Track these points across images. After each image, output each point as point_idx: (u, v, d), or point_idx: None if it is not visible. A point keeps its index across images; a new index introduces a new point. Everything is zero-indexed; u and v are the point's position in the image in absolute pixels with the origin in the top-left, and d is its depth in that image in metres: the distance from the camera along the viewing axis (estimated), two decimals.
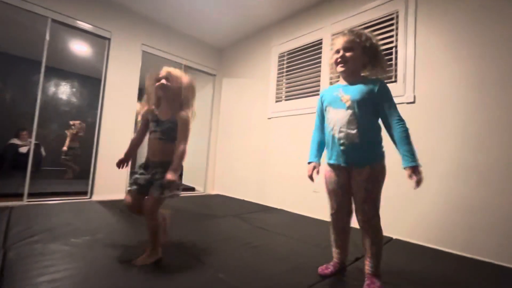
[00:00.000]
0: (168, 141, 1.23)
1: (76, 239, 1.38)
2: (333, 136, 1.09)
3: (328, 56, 2.46)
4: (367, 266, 1.08)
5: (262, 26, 3.20)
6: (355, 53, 1.06)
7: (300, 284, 1.08)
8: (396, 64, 2.00)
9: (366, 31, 1.11)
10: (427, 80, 1.85)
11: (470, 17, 1.70)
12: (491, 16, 1.62)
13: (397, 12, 2.04)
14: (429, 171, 1.77)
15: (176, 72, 1.27)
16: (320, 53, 2.57)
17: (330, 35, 2.50)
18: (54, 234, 1.45)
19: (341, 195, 1.14)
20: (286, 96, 2.93)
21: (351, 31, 1.09)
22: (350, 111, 1.04)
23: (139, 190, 1.22)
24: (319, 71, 2.56)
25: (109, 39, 2.87)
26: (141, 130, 1.34)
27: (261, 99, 3.16)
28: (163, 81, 1.22)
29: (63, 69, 4.45)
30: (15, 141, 3.86)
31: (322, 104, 1.19)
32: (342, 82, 1.15)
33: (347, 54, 1.06)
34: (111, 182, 2.83)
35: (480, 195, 1.56)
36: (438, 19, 1.84)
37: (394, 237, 1.84)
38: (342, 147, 1.06)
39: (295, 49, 2.85)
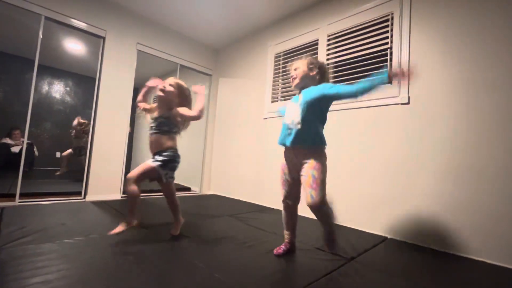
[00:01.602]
0: (161, 133, 1.49)
1: (70, 240, 1.36)
2: (285, 124, 1.36)
3: (324, 57, 2.48)
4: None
5: (258, 26, 3.20)
6: (302, 71, 1.39)
7: (296, 283, 1.08)
8: (391, 66, 2.03)
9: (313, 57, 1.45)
10: (421, 81, 1.87)
11: (464, 19, 1.72)
12: (485, 18, 1.65)
13: (392, 13, 2.06)
14: (423, 172, 1.79)
15: (177, 81, 1.57)
16: (316, 53, 2.58)
17: (326, 35, 2.51)
18: (47, 234, 1.43)
19: (291, 183, 1.41)
20: (282, 97, 2.94)
21: (299, 58, 1.46)
22: (298, 105, 1.31)
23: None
24: None
25: (103, 38, 2.84)
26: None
27: (257, 99, 3.16)
28: (165, 86, 1.51)
29: (56, 67, 4.38)
30: (7, 140, 3.79)
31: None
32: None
33: (295, 72, 1.40)
34: (105, 182, 2.80)
35: (474, 196, 1.59)
36: (432, 21, 1.86)
37: (389, 236, 1.86)
38: (289, 131, 1.32)
39: (291, 49, 2.86)
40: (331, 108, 2.29)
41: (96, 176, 2.74)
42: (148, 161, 1.46)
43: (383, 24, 2.11)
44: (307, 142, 1.28)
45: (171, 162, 1.50)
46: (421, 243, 1.73)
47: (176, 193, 1.63)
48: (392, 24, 2.06)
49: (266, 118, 3.03)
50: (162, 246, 1.38)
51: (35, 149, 3.95)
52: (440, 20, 1.83)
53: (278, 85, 2.99)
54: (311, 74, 1.38)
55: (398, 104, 1.96)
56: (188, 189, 3.83)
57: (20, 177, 2.36)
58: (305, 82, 1.38)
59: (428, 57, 1.85)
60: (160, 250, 1.34)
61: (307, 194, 1.25)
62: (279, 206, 2.69)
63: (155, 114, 1.54)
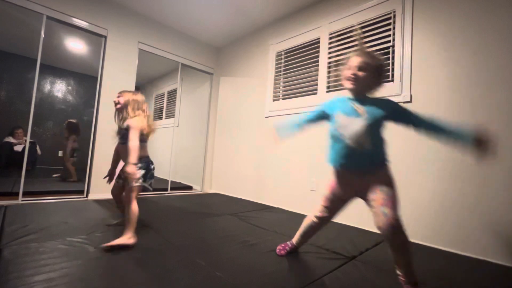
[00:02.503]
0: (124, 143, 1.50)
1: (72, 238, 1.37)
2: (343, 142, 1.11)
3: (325, 55, 2.47)
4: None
5: (260, 24, 3.19)
6: (367, 74, 1.10)
7: (297, 282, 1.08)
8: (392, 64, 2.01)
9: (376, 53, 1.17)
10: (423, 80, 1.86)
11: (466, 17, 1.71)
12: (487, 16, 1.63)
13: (394, 11, 2.05)
14: (425, 170, 1.78)
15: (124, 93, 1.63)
16: (318, 52, 2.57)
17: (328, 34, 2.50)
18: (50, 233, 1.44)
19: (336, 205, 1.24)
20: (283, 95, 2.94)
21: (366, 53, 1.14)
22: (364, 121, 1.07)
23: (123, 182, 1.61)
24: (317, 70, 2.57)
25: (105, 37, 2.84)
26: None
27: (258, 98, 3.16)
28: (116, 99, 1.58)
29: (58, 67, 4.39)
30: (10, 139, 3.81)
31: (329, 108, 1.23)
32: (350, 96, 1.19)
33: (360, 73, 1.10)
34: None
35: (476, 194, 1.58)
36: (434, 18, 1.85)
37: None
38: (352, 153, 1.09)
39: (292, 48, 2.85)
40: None
41: (98, 175, 2.75)
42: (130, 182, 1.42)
43: (385, 22, 2.09)
44: (378, 165, 1.10)
45: (148, 172, 1.57)
46: (423, 241, 1.72)
47: (178, 192, 1.64)
48: (394, 22, 2.04)
49: (267, 117, 3.03)
50: (163, 245, 1.39)
51: (37, 148, 3.97)
52: (442, 17, 1.81)
53: (280, 83, 2.98)
54: (375, 79, 1.12)
55: (400, 102, 1.94)
56: (190, 187, 3.84)
57: (23, 175, 2.38)
58: (365, 88, 1.13)
59: (430, 55, 1.84)
60: (162, 248, 1.34)
61: (377, 213, 1.04)
62: (281, 205, 2.71)
63: (119, 124, 1.60)
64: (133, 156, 1.39)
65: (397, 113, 1.11)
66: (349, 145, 1.08)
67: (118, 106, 1.58)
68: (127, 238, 1.32)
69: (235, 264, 1.21)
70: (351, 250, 1.49)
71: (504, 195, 1.49)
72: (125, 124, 1.52)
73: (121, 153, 1.60)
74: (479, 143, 0.95)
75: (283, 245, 1.40)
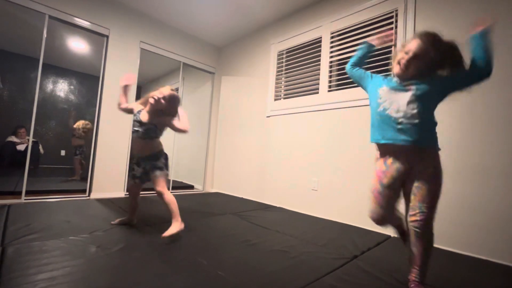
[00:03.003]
0: (149, 139, 1.57)
1: (75, 237, 1.38)
2: (388, 116, 1.04)
3: (327, 55, 2.47)
4: (414, 273, 1.04)
5: (261, 24, 3.19)
6: (420, 62, 1.03)
7: (299, 281, 1.08)
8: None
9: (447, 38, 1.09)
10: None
11: (468, 16, 1.70)
12: (489, 15, 1.62)
13: (397, 10, 2.04)
14: None
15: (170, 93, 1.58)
16: (319, 51, 2.57)
17: (330, 33, 2.49)
18: (53, 231, 1.45)
19: (394, 180, 1.07)
20: (285, 95, 2.93)
21: (427, 35, 1.07)
22: (411, 94, 1.01)
23: (140, 180, 1.62)
24: (318, 69, 2.56)
25: (107, 36, 2.85)
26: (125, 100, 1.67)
27: (260, 97, 3.16)
28: (162, 100, 1.53)
29: (61, 66, 4.41)
30: (13, 138, 3.83)
31: (371, 78, 1.19)
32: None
33: (412, 61, 1.03)
34: (109, 180, 2.82)
35: (479, 194, 1.57)
36: (436, 17, 1.84)
37: (392, 235, 1.85)
38: (399, 126, 1.01)
39: (294, 47, 2.84)
40: (334, 106, 2.27)
41: (100, 174, 2.76)
42: (155, 172, 1.55)
43: (388, 21, 2.08)
44: (429, 143, 1.01)
45: (167, 162, 1.64)
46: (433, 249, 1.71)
47: (180, 191, 1.68)
48: (396, 21, 2.03)
49: (269, 116, 3.03)
50: (165, 244, 1.39)
51: (40, 147, 3.99)
52: (444, 16, 1.80)
53: (281, 83, 2.98)
54: (430, 68, 1.05)
55: None
56: (191, 187, 3.85)
57: (26, 175, 2.39)
58: (414, 76, 1.04)
59: None
60: (164, 247, 1.35)
61: (414, 208, 1.00)
62: (282, 204, 2.71)
63: (144, 119, 1.55)
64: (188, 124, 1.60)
65: (448, 81, 1.02)
66: (393, 118, 1.02)
67: (155, 103, 1.54)
68: (179, 225, 1.46)
69: (237, 263, 1.21)
70: (353, 249, 1.49)
71: (505, 195, 1.48)
72: (160, 120, 1.56)
73: (144, 146, 1.57)
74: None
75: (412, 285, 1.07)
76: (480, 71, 1.00)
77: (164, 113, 1.56)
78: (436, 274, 1.25)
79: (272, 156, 2.93)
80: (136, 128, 1.56)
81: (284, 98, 2.92)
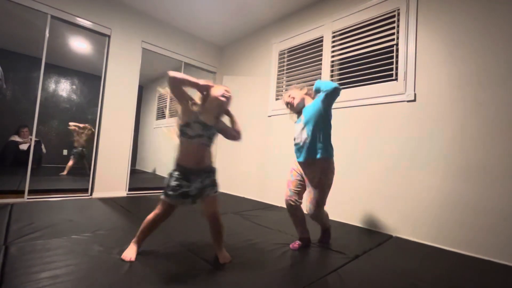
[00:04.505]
0: (210, 146, 1.27)
1: (77, 236, 1.39)
2: (294, 143, 1.52)
3: (328, 54, 2.46)
4: None
5: (263, 23, 3.19)
6: (296, 99, 1.55)
7: (300, 281, 1.09)
8: (397, 62, 2.00)
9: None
10: (427, 78, 1.84)
11: (471, 16, 1.69)
12: (491, 15, 1.61)
13: (398, 9, 2.03)
14: (429, 169, 1.77)
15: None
16: (321, 50, 2.56)
17: (331, 32, 2.49)
18: (55, 230, 1.46)
19: (296, 185, 1.55)
20: None
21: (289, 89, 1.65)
22: (301, 124, 1.47)
23: (193, 200, 1.22)
24: (320, 68, 2.56)
25: (109, 36, 2.86)
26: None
27: (261, 97, 3.16)
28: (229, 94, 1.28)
29: (63, 66, 4.43)
30: (16, 138, 3.86)
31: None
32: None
33: (294, 101, 1.56)
34: (111, 180, 2.83)
35: (481, 194, 1.57)
36: (439, 17, 1.83)
37: (394, 235, 1.85)
38: (298, 148, 1.49)
39: (295, 46, 2.84)
40: (336, 105, 2.28)
41: (102, 174, 2.77)
42: (213, 190, 1.25)
43: (389, 21, 2.08)
44: (317, 155, 1.40)
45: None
46: (427, 241, 1.71)
47: None
48: (398, 21, 2.03)
49: (270, 116, 3.03)
50: (167, 243, 1.40)
51: (42, 146, 4.01)
52: (446, 16, 1.79)
53: (283, 82, 2.98)
54: (305, 94, 1.57)
55: (404, 101, 1.93)
56: None
57: (28, 174, 2.41)
58: (301, 103, 1.54)
59: (435, 53, 1.82)
60: (165, 247, 1.35)
61: (307, 206, 1.47)
62: (284, 204, 2.70)
63: (210, 122, 1.24)
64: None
65: (318, 100, 1.43)
66: (296, 144, 1.49)
67: (225, 100, 1.27)
68: (226, 254, 1.24)
69: (238, 262, 1.22)
70: (354, 249, 1.49)
71: (508, 195, 1.47)
72: (221, 124, 1.32)
73: (201, 155, 1.23)
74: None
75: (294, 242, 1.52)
76: (326, 93, 1.40)
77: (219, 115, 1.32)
78: (439, 275, 1.25)
79: (274, 155, 2.93)
80: (200, 132, 1.19)
81: None
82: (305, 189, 1.51)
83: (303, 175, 1.49)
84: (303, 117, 1.47)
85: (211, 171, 1.27)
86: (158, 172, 4.47)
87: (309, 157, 1.42)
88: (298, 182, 1.51)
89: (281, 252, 1.38)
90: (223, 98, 1.24)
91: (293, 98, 1.54)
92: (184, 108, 1.20)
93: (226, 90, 1.27)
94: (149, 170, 4.72)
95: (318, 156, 1.40)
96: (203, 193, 1.22)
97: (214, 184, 1.25)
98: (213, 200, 1.24)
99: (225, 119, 1.39)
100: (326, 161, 1.42)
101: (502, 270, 1.36)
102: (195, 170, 1.21)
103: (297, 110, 1.54)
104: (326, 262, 1.30)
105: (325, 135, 1.43)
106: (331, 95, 1.39)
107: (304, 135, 1.43)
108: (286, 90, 1.66)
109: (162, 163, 4.35)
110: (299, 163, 1.50)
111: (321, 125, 1.42)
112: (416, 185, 1.81)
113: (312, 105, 1.46)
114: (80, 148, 3.98)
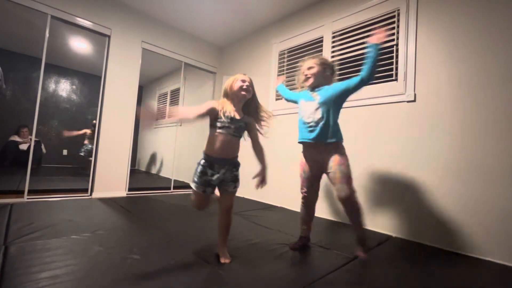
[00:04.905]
0: (239, 137, 1.33)
1: (77, 236, 1.39)
2: (302, 121, 1.46)
3: (329, 54, 2.46)
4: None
5: (263, 23, 3.19)
6: (316, 70, 1.46)
7: (300, 281, 1.08)
8: (397, 63, 2.00)
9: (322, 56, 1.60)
10: (427, 79, 1.84)
11: (471, 16, 1.69)
12: (492, 15, 1.61)
13: (398, 9, 2.03)
14: (429, 169, 1.77)
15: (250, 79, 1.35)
16: (321, 51, 2.56)
17: (331, 32, 2.49)
18: (55, 230, 1.46)
19: (311, 180, 1.49)
20: None
21: (310, 57, 1.53)
22: (316, 103, 1.42)
23: (213, 190, 1.29)
24: None
25: (109, 36, 2.86)
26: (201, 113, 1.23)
27: (261, 97, 3.13)
28: (248, 84, 1.29)
29: (63, 66, 4.44)
30: (16, 138, 3.86)
31: (297, 97, 1.59)
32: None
33: (310, 71, 1.47)
34: (111, 180, 2.83)
35: (481, 194, 1.56)
36: (439, 17, 1.83)
37: (394, 235, 1.85)
38: (310, 129, 1.42)
39: (295, 46, 2.84)
40: None
41: (102, 174, 2.77)
42: (235, 184, 1.31)
43: (389, 21, 2.08)
44: (330, 139, 1.37)
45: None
46: (426, 241, 1.71)
47: (181, 190, 1.57)
48: (398, 21, 2.03)
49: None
50: (167, 243, 1.40)
51: (42, 146, 4.01)
52: (446, 16, 1.79)
53: (283, 83, 2.97)
54: (325, 73, 1.46)
55: (404, 101, 1.93)
56: None
57: (28, 174, 2.41)
58: (319, 81, 1.46)
59: (435, 53, 1.82)
60: (165, 246, 1.35)
61: (337, 189, 1.33)
62: (283, 204, 2.71)
63: (234, 115, 1.26)
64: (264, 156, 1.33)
65: (342, 86, 1.39)
66: (308, 123, 1.41)
67: (247, 94, 1.30)
68: (227, 257, 1.23)
69: (238, 262, 1.22)
70: (354, 249, 1.49)
71: (508, 195, 1.47)
72: (249, 119, 1.33)
73: (232, 146, 1.30)
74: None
75: (294, 242, 1.51)
76: (362, 79, 1.34)
77: (248, 105, 1.32)
78: (443, 274, 1.25)
79: (274, 155, 2.93)
80: (226, 124, 1.24)
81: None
82: (318, 183, 1.49)
83: (314, 163, 1.43)
84: (318, 97, 1.42)
85: (235, 164, 1.32)
86: (156, 172, 4.47)
87: (322, 139, 1.38)
88: (312, 175, 1.47)
89: (281, 252, 1.38)
90: (243, 92, 1.27)
91: (314, 74, 1.45)
92: (213, 117, 1.27)
93: (242, 80, 1.28)
94: (150, 170, 4.72)
95: (334, 139, 1.38)
96: (222, 186, 1.28)
97: (235, 179, 1.30)
98: (231, 195, 1.30)
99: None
100: (341, 144, 1.42)
101: (502, 270, 1.35)
102: (220, 160, 1.26)
103: (311, 86, 1.48)
104: (326, 262, 1.30)
105: (336, 120, 1.41)
106: (360, 86, 1.36)
107: (317, 115, 1.38)
108: (305, 59, 1.52)
109: (162, 163, 4.35)
110: (308, 144, 1.44)
111: (336, 110, 1.41)
112: (416, 185, 1.81)
113: (332, 88, 1.42)
114: (90, 146, 3.99)
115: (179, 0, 2.82)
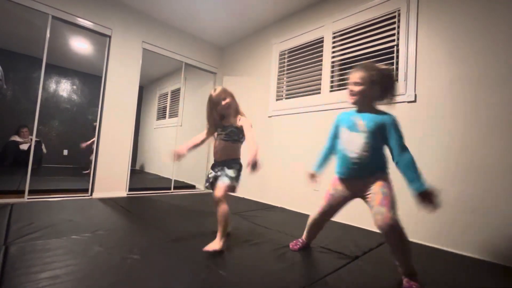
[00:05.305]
0: (230, 141, 1.50)
1: (77, 236, 1.39)
2: (345, 156, 1.23)
3: (329, 55, 2.46)
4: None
5: (263, 24, 3.19)
6: (363, 88, 1.20)
7: (300, 281, 1.08)
8: (397, 63, 2.00)
9: (379, 65, 1.24)
10: (428, 79, 1.84)
11: (471, 16, 1.69)
12: (492, 15, 1.61)
13: (399, 10, 2.03)
14: (429, 170, 1.77)
15: (226, 90, 1.53)
16: (321, 51, 2.56)
17: (332, 33, 2.49)
18: (55, 230, 1.45)
19: (337, 202, 1.32)
20: (286, 95, 2.93)
21: (363, 66, 1.23)
22: (362, 137, 1.18)
23: (211, 185, 1.52)
24: (320, 69, 2.56)
25: (109, 37, 2.86)
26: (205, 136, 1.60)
27: (261, 97, 3.16)
28: (225, 102, 1.48)
29: (63, 66, 4.44)
30: (16, 138, 3.86)
31: (337, 125, 1.34)
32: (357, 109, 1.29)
33: (356, 88, 1.21)
34: (111, 180, 2.83)
35: (481, 195, 1.56)
36: (439, 17, 1.83)
37: None
38: (354, 166, 1.20)
39: (296, 47, 2.84)
40: (336, 106, 2.27)
41: (102, 174, 2.77)
42: (223, 178, 1.43)
43: (390, 21, 2.08)
44: (372, 173, 1.18)
45: (239, 172, 1.52)
46: (426, 242, 1.71)
47: (181, 191, 1.64)
48: (399, 21, 2.03)
49: (270, 116, 3.03)
50: (166, 243, 1.40)
51: (43, 146, 4.02)
52: (447, 17, 1.79)
53: (283, 83, 2.98)
54: (373, 93, 1.20)
55: (404, 102, 1.93)
56: (193, 186, 3.85)
57: (29, 174, 2.41)
58: (365, 100, 1.22)
59: (435, 54, 1.82)
60: (165, 246, 1.35)
61: (375, 212, 1.11)
62: (283, 204, 2.71)
63: (224, 122, 1.52)
64: (255, 144, 1.42)
65: (386, 131, 1.16)
66: (351, 158, 1.20)
67: (227, 107, 1.49)
68: (218, 244, 1.31)
69: (238, 263, 1.22)
70: (354, 250, 1.49)
71: (508, 196, 1.47)
72: (237, 122, 1.49)
73: (223, 149, 1.50)
74: (424, 197, 1.06)
75: (295, 241, 1.48)
76: (396, 162, 1.15)
77: (235, 112, 1.51)
78: (438, 275, 1.25)
79: (274, 156, 2.93)
80: (220, 132, 1.52)
81: (286, 98, 2.92)
82: (341, 207, 1.33)
83: (351, 186, 1.25)
84: (363, 125, 1.19)
85: (229, 164, 1.48)
86: (156, 172, 4.47)
87: (365, 175, 1.19)
88: (341, 196, 1.30)
89: (281, 253, 1.38)
90: (223, 102, 1.49)
91: (360, 93, 1.20)
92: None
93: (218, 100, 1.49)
94: (149, 170, 4.72)
95: (379, 172, 1.19)
96: (216, 182, 1.46)
97: (226, 175, 1.44)
98: (220, 186, 1.40)
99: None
100: (386, 174, 1.21)
101: (501, 271, 1.35)
102: (218, 162, 1.52)
103: (357, 103, 1.24)
104: (326, 262, 1.29)
105: (382, 152, 1.20)
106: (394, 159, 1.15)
107: (362, 150, 1.17)
108: (358, 68, 1.24)
109: (162, 163, 4.35)
110: (349, 180, 1.25)
111: (382, 142, 1.18)
112: None
113: (378, 121, 1.18)
114: None
115: (179, 0, 2.82)
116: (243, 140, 1.52)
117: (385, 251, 1.53)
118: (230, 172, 1.45)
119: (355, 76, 1.21)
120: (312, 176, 1.43)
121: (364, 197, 1.21)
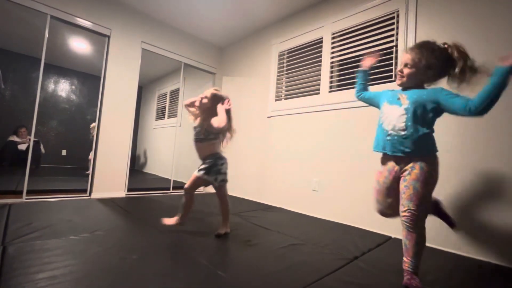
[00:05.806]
0: (199, 141, 1.64)
1: (76, 236, 1.38)
2: (382, 129, 1.19)
3: (328, 55, 2.47)
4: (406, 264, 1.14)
5: (262, 24, 3.19)
6: (413, 71, 1.14)
7: (299, 282, 1.08)
8: (396, 64, 2.00)
9: (441, 43, 1.15)
10: None
11: (470, 16, 1.70)
12: (492, 15, 1.62)
13: (398, 11, 2.04)
14: None
15: (217, 95, 1.67)
16: (321, 51, 2.57)
17: (331, 33, 2.49)
18: (54, 231, 1.45)
19: (389, 181, 1.20)
20: (286, 95, 2.93)
21: (419, 46, 1.15)
22: (403, 109, 1.12)
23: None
24: (319, 70, 2.56)
25: (108, 37, 2.86)
26: None
27: (260, 98, 3.16)
28: (204, 100, 1.63)
29: (62, 66, 4.43)
30: (14, 138, 3.85)
31: (379, 97, 1.32)
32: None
33: (405, 70, 1.16)
34: (110, 180, 2.83)
35: (480, 194, 1.57)
36: (438, 18, 1.84)
37: (393, 236, 1.85)
38: (388, 139, 1.15)
39: (295, 47, 2.85)
40: (335, 106, 2.27)
41: (101, 174, 2.76)
42: (196, 172, 1.59)
43: (389, 22, 2.08)
44: (412, 151, 1.09)
45: (213, 167, 1.59)
46: (426, 243, 1.70)
47: (180, 191, 1.68)
48: (397, 22, 2.03)
49: (270, 117, 3.03)
50: (166, 243, 1.40)
51: (41, 146, 4.00)
52: (446, 17, 1.80)
53: (282, 83, 2.98)
54: (426, 75, 1.13)
55: None
56: None
57: (27, 174, 2.40)
58: (415, 82, 1.16)
59: None
60: (164, 247, 1.35)
61: (403, 207, 1.10)
62: (283, 205, 2.71)
63: (195, 122, 1.66)
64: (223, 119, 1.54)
65: (440, 100, 1.07)
66: (387, 131, 1.15)
67: (204, 105, 1.63)
68: (172, 221, 1.61)
69: (237, 263, 1.21)
70: (353, 250, 1.49)
71: (507, 196, 1.47)
72: (206, 121, 1.60)
73: (197, 149, 1.66)
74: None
75: (408, 276, 1.13)
76: (469, 110, 1.04)
77: (213, 113, 1.60)
78: (441, 275, 1.25)
79: (273, 156, 2.93)
80: (194, 133, 1.66)
81: (285, 99, 2.92)
82: (396, 197, 1.19)
83: (390, 172, 1.16)
84: (406, 101, 1.11)
85: (206, 161, 1.61)
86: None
87: (402, 153, 1.11)
88: (386, 187, 1.20)
89: (281, 253, 1.38)
90: (196, 102, 1.64)
91: (408, 76, 1.13)
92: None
93: (201, 97, 1.62)
94: (149, 170, 4.71)
95: (418, 154, 1.09)
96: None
97: (200, 169, 1.58)
98: (192, 178, 1.58)
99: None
100: (430, 159, 1.10)
101: (501, 271, 1.36)
102: (201, 160, 1.65)
103: (405, 85, 1.18)
104: (325, 263, 1.29)
105: (427, 132, 1.11)
106: (462, 115, 1.07)
107: (400, 124, 1.10)
108: (409, 49, 1.18)
109: (161, 163, 4.34)
110: (385, 156, 1.19)
111: (427, 120, 1.10)
112: None
113: (428, 93, 1.11)
114: None
115: (179, 0, 2.82)
116: (211, 137, 1.61)
117: (384, 252, 1.53)
118: (201, 166, 1.59)
119: (407, 57, 1.13)
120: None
121: (400, 177, 1.14)
